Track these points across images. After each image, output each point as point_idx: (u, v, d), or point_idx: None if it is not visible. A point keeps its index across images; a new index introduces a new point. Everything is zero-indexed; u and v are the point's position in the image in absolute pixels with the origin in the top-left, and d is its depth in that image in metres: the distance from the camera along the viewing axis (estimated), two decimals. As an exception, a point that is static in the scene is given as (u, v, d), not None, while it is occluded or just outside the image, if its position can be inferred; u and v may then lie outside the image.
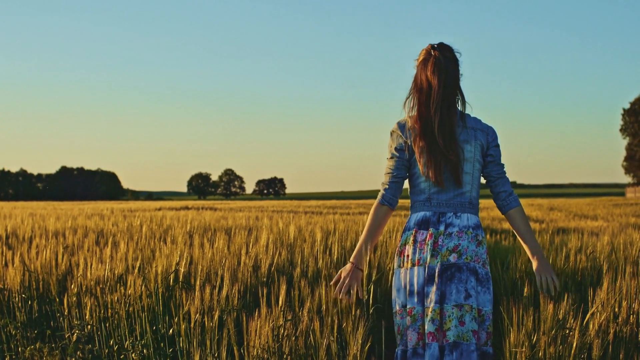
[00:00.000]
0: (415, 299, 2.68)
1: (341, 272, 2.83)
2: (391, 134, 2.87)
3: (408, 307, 2.69)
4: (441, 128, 2.73)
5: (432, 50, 2.80)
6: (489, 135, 2.85)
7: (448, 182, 2.76)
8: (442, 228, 2.72)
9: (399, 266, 2.78)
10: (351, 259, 2.83)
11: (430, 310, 2.62)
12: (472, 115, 2.88)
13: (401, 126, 2.83)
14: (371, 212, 2.88)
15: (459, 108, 2.84)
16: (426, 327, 2.62)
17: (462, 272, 2.66)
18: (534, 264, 2.82)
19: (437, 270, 2.65)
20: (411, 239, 2.76)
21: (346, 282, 2.79)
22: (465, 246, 2.70)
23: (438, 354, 2.60)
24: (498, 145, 2.88)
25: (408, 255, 2.74)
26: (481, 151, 2.84)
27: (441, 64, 2.76)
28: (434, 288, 2.64)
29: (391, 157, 2.85)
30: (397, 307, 2.73)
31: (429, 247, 2.69)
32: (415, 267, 2.70)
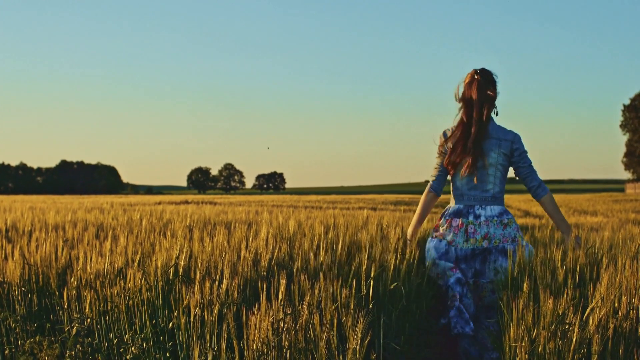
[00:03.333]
0: (443, 258, 3.61)
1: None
2: (440, 139, 3.79)
3: (437, 261, 3.61)
4: (476, 138, 3.62)
5: (475, 75, 3.72)
6: (513, 144, 3.70)
7: (475, 181, 3.67)
8: (471, 218, 3.62)
9: (432, 237, 3.73)
10: (407, 236, 3.81)
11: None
12: (497, 124, 3.71)
13: (445, 134, 3.78)
14: (422, 197, 3.85)
15: (493, 116, 3.72)
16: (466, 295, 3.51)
17: (492, 254, 3.55)
18: (565, 238, 3.69)
19: (469, 253, 3.58)
20: (447, 224, 3.68)
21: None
22: (493, 232, 3.57)
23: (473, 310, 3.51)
24: (524, 151, 3.71)
25: (442, 234, 3.68)
26: (505, 158, 3.69)
27: (482, 86, 3.67)
28: (468, 266, 3.58)
29: (438, 156, 3.80)
30: (429, 261, 3.65)
31: (462, 233, 3.60)
32: (447, 245, 3.63)
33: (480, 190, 3.66)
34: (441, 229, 3.70)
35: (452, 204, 3.75)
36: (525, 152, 3.71)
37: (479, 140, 3.61)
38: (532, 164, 3.73)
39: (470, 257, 3.57)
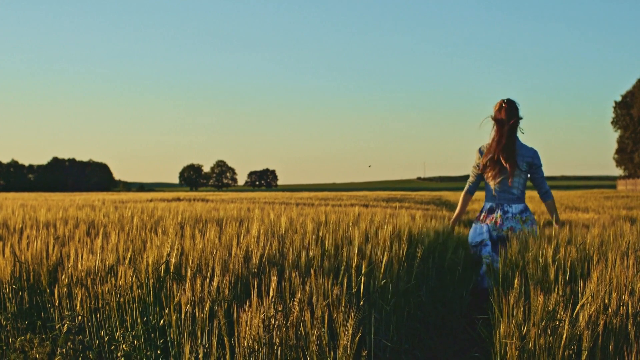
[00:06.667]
0: (485, 236, 4.84)
1: None
2: (476, 153, 5.05)
3: (478, 240, 4.88)
4: (504, 150, 4.87)
5: (503, 104, 4.96)
6: (534, 159, 4.96)
7: (503, 185, 4.91)
8: (500, 213, 4.89)
9: (475, 222, 5.00)
10: (450, 223, 5.40)
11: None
12: (521, 142, 4.93)
13: (480, 151, 5.06)
14: (461, 197, 5.28)
15: (518, 135, 4.95)
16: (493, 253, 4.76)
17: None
18: (555, 223, 4.85)
19: (497, 238, 4.80)
20: (484, 217, 4.94)
21: None
22: (515, 226, 4.82)
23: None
24: (539, 165, 4.98)
25: (483, 220, 4.92)
26: (525, 169, 4.92)
27: (510, 113, 4.92)
28: (496, 246, 4.73)
29: (474, 167, 5.10)
30: (470, 241, 4.97)
31: (493, 224, 4.86)
32: (485, 225, 4.87)
33: (507, 192, 4.92)
34: (482, 218, 4.94)
35: (486, 202, 5.02)
36: (540, 165, 4.96)
37: (511, 157, 4.82)
38: (544, 175, 5.00)
39: (499, 241, 4.77)
